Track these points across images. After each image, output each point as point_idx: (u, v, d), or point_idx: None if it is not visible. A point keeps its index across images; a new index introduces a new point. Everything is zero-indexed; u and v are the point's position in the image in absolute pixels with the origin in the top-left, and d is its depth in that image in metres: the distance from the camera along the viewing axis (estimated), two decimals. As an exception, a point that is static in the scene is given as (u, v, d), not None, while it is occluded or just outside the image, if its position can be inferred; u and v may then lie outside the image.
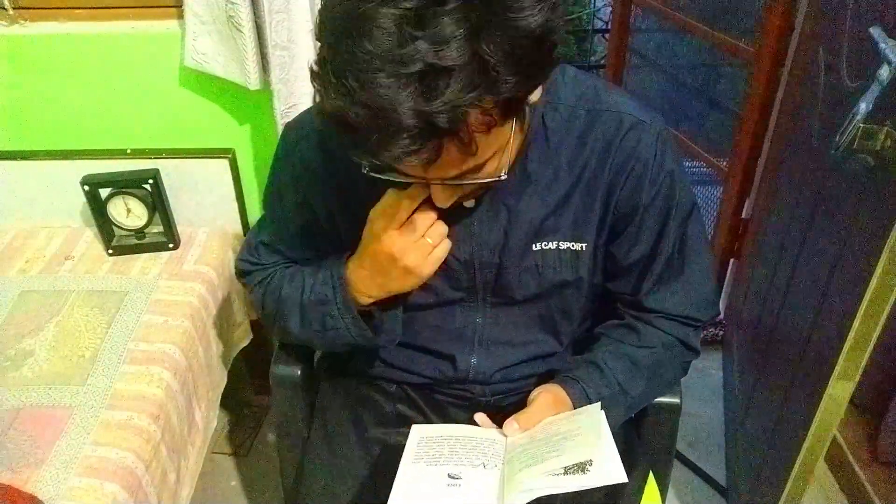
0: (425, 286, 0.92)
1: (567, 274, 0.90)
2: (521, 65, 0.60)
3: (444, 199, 0.76)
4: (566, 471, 0.70)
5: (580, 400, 0.87)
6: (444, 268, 0.90)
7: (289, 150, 0.92)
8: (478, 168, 0.69)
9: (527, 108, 0.72)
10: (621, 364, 0.91)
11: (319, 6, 0.63)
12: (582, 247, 0.89)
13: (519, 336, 0.97)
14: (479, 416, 0.88)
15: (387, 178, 0.72)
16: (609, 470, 0.69)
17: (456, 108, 0.57)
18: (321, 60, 0.61)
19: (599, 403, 0.81)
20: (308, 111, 0.94)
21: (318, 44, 0.63)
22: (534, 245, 0.88)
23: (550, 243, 0.88)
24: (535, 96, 0.70)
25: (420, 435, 0.83)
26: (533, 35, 0.60)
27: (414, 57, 0.56)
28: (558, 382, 0.89)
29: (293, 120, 0.95)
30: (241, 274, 1.04)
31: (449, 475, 0.75)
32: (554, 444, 0.75)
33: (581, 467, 0.70)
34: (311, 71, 0.63)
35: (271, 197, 0.98)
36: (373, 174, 0.72)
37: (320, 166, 0.89)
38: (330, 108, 0.60)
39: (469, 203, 0.86)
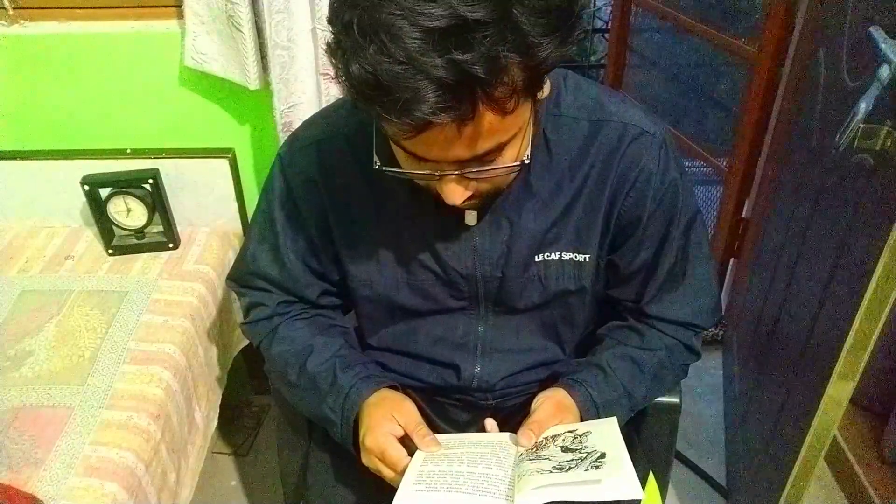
0: (425, 294, 0.92)
1: (570, 283, 0.90)
2: (551, 27, 0.60)
3: (457, 194, 0.71)
4: (582, 482, 0.70)
5: (585, 404, 0.87)
6: (446, 280, 0.90)
7: (283, 166, 0.91)
8: (500, 147, 0.67)
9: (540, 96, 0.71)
10: (625, 366, 0.91)
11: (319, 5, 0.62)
12: (585, 258, 0.88)
13: (522, 344, 0.96)
14: (489, 423, 0.88)
15: (401, 171, 0.70)
16: (624, 486, 0.70)
17: (493, 58, 0.57)
18: (345, 27, 0.59)
19: (615, 418, 0.82)
20: (304, 128, 0.92)
21: (331, 25, 0.62)
22: (536, 256, 0.88)
23: (553, 254, 0.88)
24: (546, 90, 0.69)
25: (424, 453, 0.81)
26: None
27: (442, 10, 0.55)
28: (562, 386, 0.89)
29: (287, 138, 0.93)
30: (245, 310, 1.02)
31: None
32: (568, 457, 0.75)
33: (595, 482, 0.70)
34: (329, 47, 0.62)
35: (261, 216, 0.95)
36: (386, 169, 0.71)
37: (317, 175, 0.88)
38: (360, 72, 0.58)
39: (471, 220, 0.85)
